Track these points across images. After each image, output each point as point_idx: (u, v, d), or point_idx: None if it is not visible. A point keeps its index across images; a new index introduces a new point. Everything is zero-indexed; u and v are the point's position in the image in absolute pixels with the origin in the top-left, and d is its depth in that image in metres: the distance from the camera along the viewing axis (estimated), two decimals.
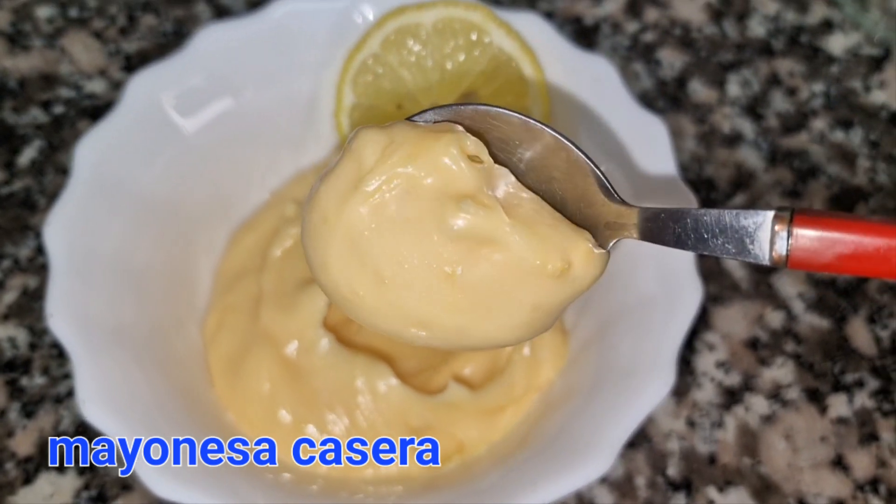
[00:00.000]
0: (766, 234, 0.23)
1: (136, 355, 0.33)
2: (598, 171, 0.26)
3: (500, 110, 0.26)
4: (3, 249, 0.42)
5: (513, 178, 0.26)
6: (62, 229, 0.32)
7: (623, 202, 0.26)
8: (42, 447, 0.37)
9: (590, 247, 0.26)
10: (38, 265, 0.41)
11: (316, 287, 0.35)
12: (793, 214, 0.23)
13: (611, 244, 0.26)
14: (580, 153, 0.26)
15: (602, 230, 0.26)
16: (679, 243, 0.25)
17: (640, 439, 0.37)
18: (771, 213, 0.24)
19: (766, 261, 0.24)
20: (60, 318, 0.31)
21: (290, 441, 0.34)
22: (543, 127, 0.26)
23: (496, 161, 0.26)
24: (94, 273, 0.33)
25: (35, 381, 0.39)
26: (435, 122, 0.27)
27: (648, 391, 0.30)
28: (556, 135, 0.26)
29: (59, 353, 0.39)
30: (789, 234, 0.23)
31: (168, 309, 0.35)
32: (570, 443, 0.30)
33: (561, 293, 0.26)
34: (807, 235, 0.23)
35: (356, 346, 0.36)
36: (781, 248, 0.23)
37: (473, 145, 0.26)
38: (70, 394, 0.38)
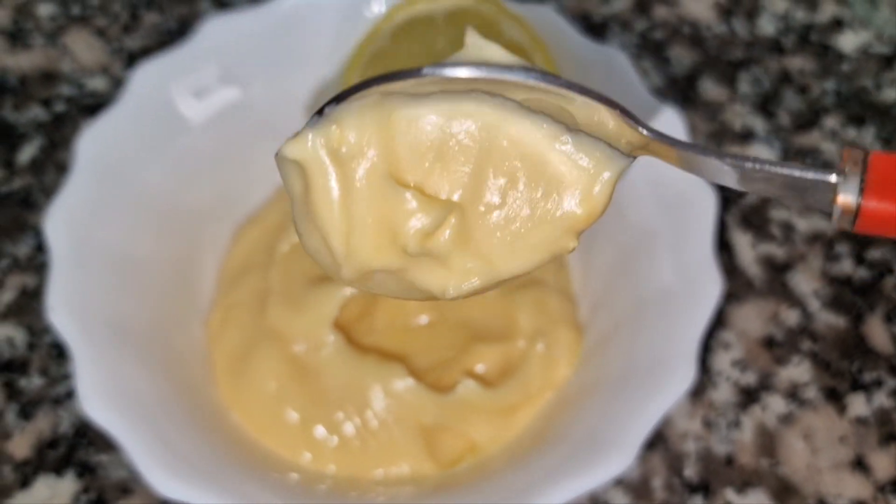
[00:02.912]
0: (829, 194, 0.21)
1: (138, 352, 0.32)
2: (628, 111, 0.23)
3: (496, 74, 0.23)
4: (2, 248, 0.41)
5: None
6: (63, 221, 0.32)
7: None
8: (40, 450, 0.36)
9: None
10: (38, 264, 0.40)
11: (327, 285, 0.34)
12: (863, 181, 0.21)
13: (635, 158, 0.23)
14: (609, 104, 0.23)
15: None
16: (721, 176, 0.22)
17: (656, 440, 0.36)
18: (833, 178, 0.21)
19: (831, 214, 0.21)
20: (61, 312, 0.30)
21: (297, 441, 0.33)
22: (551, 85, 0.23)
23: None
24: (96, 267, 0.32)
25: (33, 382, 0.38)
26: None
27: (669, 386, 0.29)
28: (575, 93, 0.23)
29: (59, 354, 0.38)
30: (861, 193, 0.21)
31: (171, 305, 0.35)
32: (589, 440, 0.29)
33: None
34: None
35: (367, 346, 0.35)
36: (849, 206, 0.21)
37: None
38: (69, 395, 0.37)
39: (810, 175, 0.21)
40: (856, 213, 0.21)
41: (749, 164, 0.22)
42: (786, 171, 0.21)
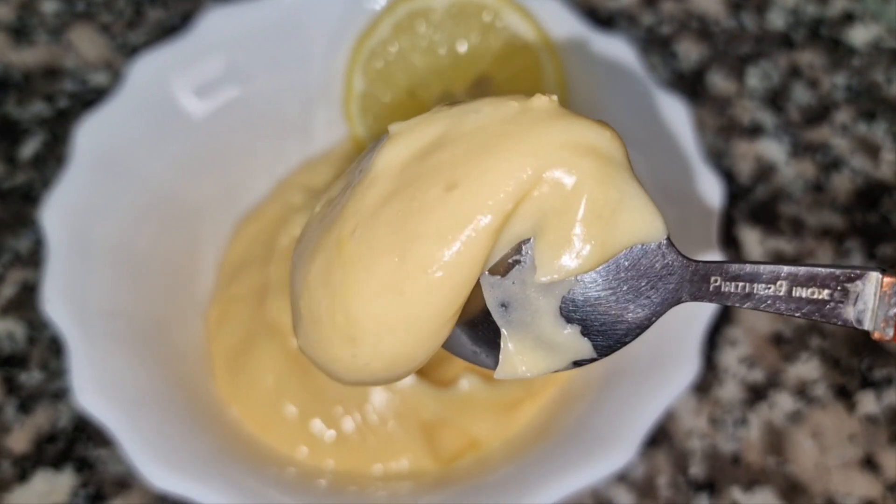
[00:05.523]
0: (870, 297, 0.20)
1: (135, 345, 0.32)
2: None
3: None
4: (4, 243, 0.41)
5: None
6: (61, 213, 0.31)
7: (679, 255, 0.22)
8: (39, 445, 0.36)
9: None
10: (39, 259, 0.40)
11: None
12: None
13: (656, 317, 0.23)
14: None
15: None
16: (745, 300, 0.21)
17: (661, 438, 0.36)
18: (875, 275, 0.20)
19: (866, 327, 0.20)
20: (57, 304, 0.30)
21: (296, 435, 0.33)
22: None
23: None
24: (94, 259, 0.32)
25: (33, 377, 0.38)
26: None
27: (671, 381, 0.28)
28: None
29: (59, 349, 0.38)
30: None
31: (169, 298, 0.34)
32: (592, 434, 0.29)
33: None
34: None
35: None
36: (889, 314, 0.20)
37: None
38: (69, 390, 0.37)
39: (851, 271, 0.21)
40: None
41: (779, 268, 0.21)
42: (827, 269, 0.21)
